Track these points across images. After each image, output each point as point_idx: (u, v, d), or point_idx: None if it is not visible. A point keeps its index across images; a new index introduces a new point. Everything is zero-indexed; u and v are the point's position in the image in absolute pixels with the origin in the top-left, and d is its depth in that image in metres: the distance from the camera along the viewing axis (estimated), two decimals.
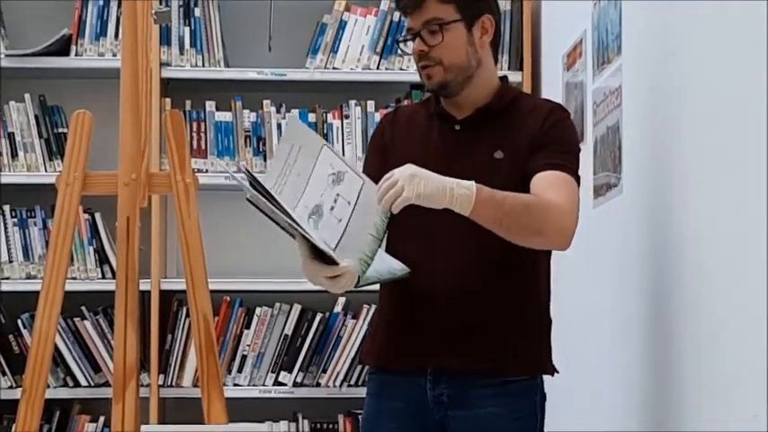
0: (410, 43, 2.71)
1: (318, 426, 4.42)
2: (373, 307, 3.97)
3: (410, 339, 2.67)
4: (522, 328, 2.66)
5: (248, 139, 4.43)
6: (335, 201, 2.53)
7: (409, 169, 2.42)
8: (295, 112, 4.44)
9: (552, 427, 2.72)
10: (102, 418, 4.35)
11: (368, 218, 2.50)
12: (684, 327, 2.54)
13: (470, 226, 2.51)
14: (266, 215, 2.49)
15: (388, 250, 2.73)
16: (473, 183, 2.44)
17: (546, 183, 2.58)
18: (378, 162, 2.76)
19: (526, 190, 2.60)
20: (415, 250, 2.64)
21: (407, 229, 2.63)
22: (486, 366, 2.62)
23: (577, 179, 2.65)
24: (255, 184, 2.46)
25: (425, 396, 2.65)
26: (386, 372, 2.74)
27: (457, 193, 2.42)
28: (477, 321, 2.62)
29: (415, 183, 2.40)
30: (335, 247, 2.48)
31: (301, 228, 2.40)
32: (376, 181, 2.75)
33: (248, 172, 2.50)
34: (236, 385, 4.34)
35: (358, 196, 2.52)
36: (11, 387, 4.30)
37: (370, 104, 4.45)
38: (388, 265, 2.61)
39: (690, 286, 2.51)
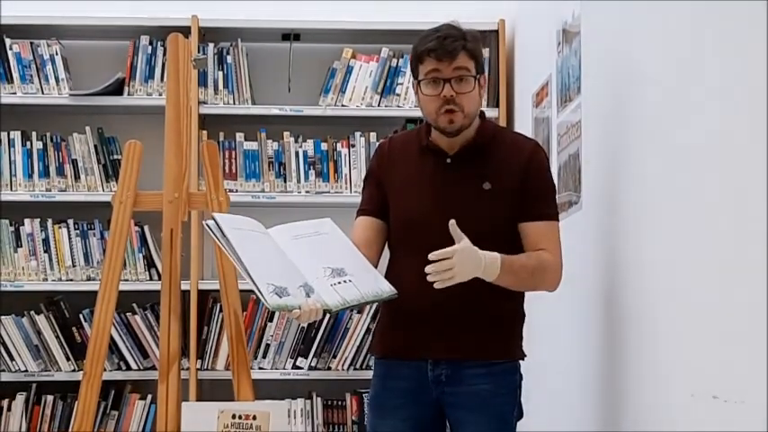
0: (427, 87, 2.60)
1: (329, 402, 4.40)
2: (375, 305, 3.97)
3: (412, 338, 2.64)
4: (502, 324, 2.67)
5: (271, 164, 4.44)
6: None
7: (463, 253, 2.42)
8: (310, 142, 4.44)
9: (524, 402, 2.72)
10: (149, 396, 4.35)
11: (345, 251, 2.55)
12: (630, 319, 2.54)
13: None
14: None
15: (393, 258, 2.73)
16: (498, 259, 2.49)
17: (539, 236, 2.62)
18: (376, 193, 2.74)
19: (509, 217, 2.61)
20: (419, 264, 2.57)
21: (414, 244, 2.62)
22: (474, 355, 2.62)
23: (557, 217, 2.68)
24: (222, 233, 2.46)
25: (426, 376, 2.63)
26: (391, 358, 2.72)
27: (487, 269, 2.48)
28: (467, 320, 2.61)
29: (467, 268, 2.43)
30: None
31: (247, 272, 2.40)
32: (376, 209, 2.73)
33: (216, 222, 2.49)
34: (260, 369, 4.33)
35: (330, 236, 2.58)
36: (74, 370, 4.29)
37: (373, 135, 4.46)
38: (377, 286, 2.54)
39: (635, 285, 2.52)
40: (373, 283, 2.54)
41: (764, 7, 1.77)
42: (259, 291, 2.38)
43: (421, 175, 2.69)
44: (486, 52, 4.37)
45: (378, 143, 4.34)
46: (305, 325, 4.33)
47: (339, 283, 2.48)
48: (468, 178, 2.64)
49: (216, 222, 2.47)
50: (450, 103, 2.58)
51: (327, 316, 4.26)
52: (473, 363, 2.62)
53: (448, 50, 2.56)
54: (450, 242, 2.45)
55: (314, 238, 2.59)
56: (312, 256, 2.52)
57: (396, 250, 2.73)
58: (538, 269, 2.59)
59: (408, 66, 4.37)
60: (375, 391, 2.75)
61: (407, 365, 2.66)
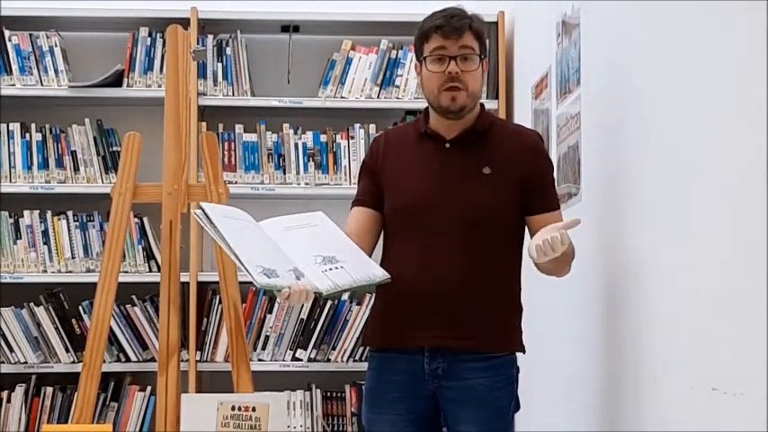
0: (432, 64, 2.60)
1: (329, 394, 4.41)
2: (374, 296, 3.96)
3: (410, 324, 2.62)
4: (500, 315, 2.66)
5: (270, 156, 4.44)
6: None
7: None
8: (309, 133, 4.44)
9: (523, 395, 2.72)
10: (149, 388, 4.35)
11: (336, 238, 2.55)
12: (630, 310, 2.54)
13: (463, 236, 2.53)
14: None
15: (390, 246, 2.72)
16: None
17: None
18: (370, 184, 2.74)
19: (508, 203, 2.61)
20: (417, 250, 2.61)
21: (412, 229, 2.63)
22: (472, 345, 2.60)
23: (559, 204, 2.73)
24: (210, 220, 2.47)
25: (422, 370, 2.62)
26: (387, 350, 2.70)
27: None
28: (465, 310, 2.60)
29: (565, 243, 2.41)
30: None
31: (235, 255, 2.41)
32: (371, 200, 2.73)
33: (203, 211, 2.50)
34: (260, 360, 4.34)
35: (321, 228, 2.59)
36: (73, 362, 4.29)
37: (372, 127, 4.45)
38: (370, 271, 2.54)
39: (634, 276, 2.51)
40: (365, 269, 2.53)
41: (764, 3, 1.77)
42: (247, 270, 2.38)
43: (419, 160, 2.68)
44: (486, 43, 4.36)
45: (376, 135, 4.38)
46: (304, 316, 4.33)
47: (330, 269, 2.47)
48: (467, 163, 2.64)
49: (203, 211, 2.48)
50: (455, 80, 2.58)
51: (327, 305, 4.32)
52: (471, 356, 2.60)
53: (455, 27, 2.58)
54: (450, 227, 2.49)
55: (305, 229, 2.59)
56: (303, 246, 2.52)
57: (392, 237, 2.71)
58: (568, 255, 2.59)
59: (408, 57, 4.41)
60: (371, 385, 2.74)
61: (404, 359, 2.65)
